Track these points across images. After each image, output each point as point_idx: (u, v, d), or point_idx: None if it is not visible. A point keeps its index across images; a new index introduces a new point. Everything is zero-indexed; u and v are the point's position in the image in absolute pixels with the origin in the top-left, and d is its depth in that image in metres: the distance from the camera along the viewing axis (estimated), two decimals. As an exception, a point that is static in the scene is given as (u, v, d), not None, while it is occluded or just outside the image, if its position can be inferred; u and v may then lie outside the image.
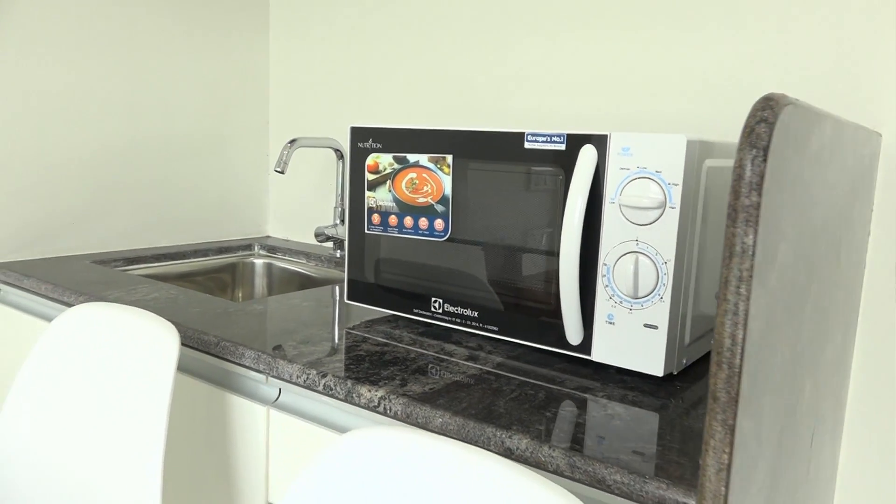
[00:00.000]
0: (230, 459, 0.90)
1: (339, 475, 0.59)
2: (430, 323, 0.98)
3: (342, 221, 1.51)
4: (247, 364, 0.85)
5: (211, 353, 0.88)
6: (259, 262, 1.60)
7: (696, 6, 1.08)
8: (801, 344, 0.61)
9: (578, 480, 0.60)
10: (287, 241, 1.68)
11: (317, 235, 1.48)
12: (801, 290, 0.57)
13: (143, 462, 0.77)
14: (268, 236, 1.72)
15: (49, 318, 1.15)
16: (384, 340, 0.90)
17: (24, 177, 1.30)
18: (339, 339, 0.90)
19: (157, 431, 0.77)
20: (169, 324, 0.82)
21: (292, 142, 1.36)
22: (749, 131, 0.42)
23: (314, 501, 0.59)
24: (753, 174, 0.42)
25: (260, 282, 1.59)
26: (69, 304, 1.10)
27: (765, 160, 0.42)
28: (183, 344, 0.92)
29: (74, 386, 0.86)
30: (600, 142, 0.77)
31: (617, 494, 0.58)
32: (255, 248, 1.62)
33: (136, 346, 0.82)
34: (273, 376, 0.82)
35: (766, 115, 0.42)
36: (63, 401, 0.87)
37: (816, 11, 0.98)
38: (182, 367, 0.97)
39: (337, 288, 1.21)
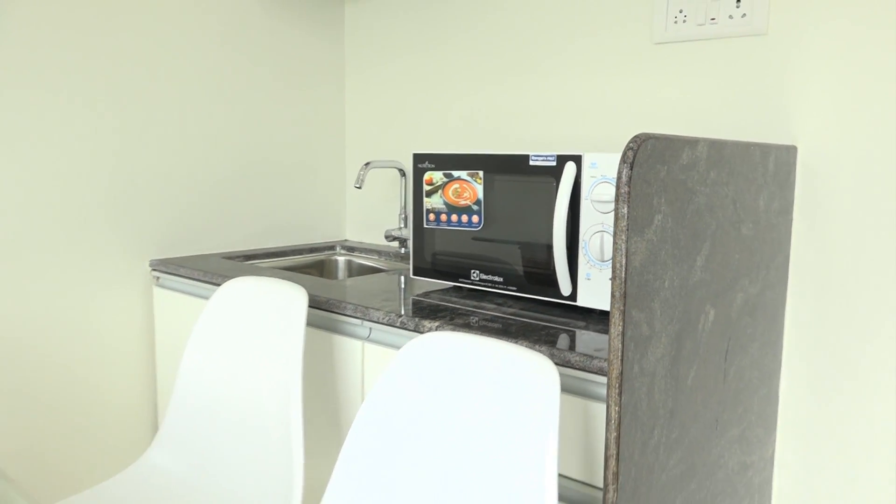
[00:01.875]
0: (337, 379, 1.32)
1: (415, 356, 0.99)
2: (471, 288, 1.39)
3: (405, 224, 1.93)
4: (347, 313, 1.27)
5: (321, 308, 1.31)
6: (341, 258, 2.03)
7: (628, 61, 1.46)
8: (694, 280, 0.98)
9: (556, 362, 0.99)
10: (361, 242, 2.11)
11: (386, 236, 1.91)
12: (686, 245, 0.95)
13: (287, 382, 1.20)
14: (346, 239, 2.16)
15: (199, 296, 1.60)
16: (438, 301, 1.31)
17: (172, 194, 1.77)
18: (408, 299, 1.32)
19: (295, 360, 1.19)
20: (298, 286, 1.25)
21: (367, 164, 1.79)
22: (623, 154, 0.82)
23: (402, 371, 1.00)
24: (625, 176, 0.81)
25: (342, 274, 2.02)
26: (216, 285, 1.54)
27: (631, 168, 0.81)
28: (302, 305, 1.35)
29: (235, 332, 1.30)
30: (577, 160, 1.16)
31: (576, 368, 0.97)
32: (337, 248, 2.06)
33: (276, 302, 1.26)
34: (366, 320, 1.24)
35: (632, 145, 0.82)
36: (227, 343, 1.30)
37: (741, 60, 1.35)
38: (299, 324, 1.40)
39: (403, 275, 1.63)
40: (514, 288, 1.27)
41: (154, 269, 1.72)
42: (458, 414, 0.97)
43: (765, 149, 1.17)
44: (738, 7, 1.36)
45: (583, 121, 1.60)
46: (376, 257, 1.96)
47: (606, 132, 1.56)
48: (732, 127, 1.39)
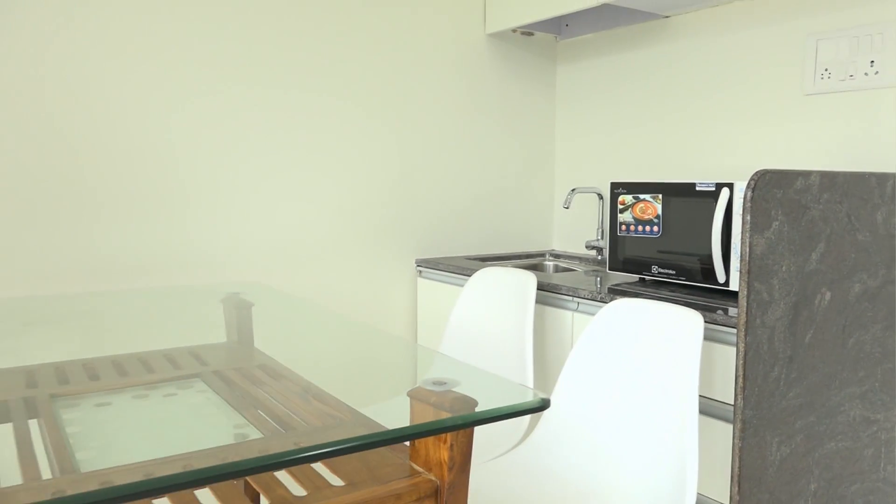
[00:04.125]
0: (553, 337, 1.88)
1: (606, 315, 1.53)
2: (651, 279, 1.89)
3: (602, 236, 2.45)
4: (562, 293, 1.83)
5: (544, 289, 1.88)
6: (550, 262, 2.60)
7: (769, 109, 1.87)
8: (810, 268, 1.42)
9: (706, 321, 1.47)
10: (566, 251, 2.66)
11: (587, 246, 2.44)
12: (801, 243, 1.39)
13: (522, 333, 1.78)
14: (553, 248, 2.73)
15: (452, 284, 2.24)
16: (626, 287, 1.83)
17: (430, 210, 2.45)
18: (604, 286, 1.85)
19: (527, 322, 1.77)
20: (530, 273, 1.84)
21: (573, 190, 2.35)
22: (748, 183, 1.30)
23: (598, 326, 1.54)
24: (748, 196, 1.29)
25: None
26: (467, 276, 2.18)
27: (752, 191, 1.29)
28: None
29: (483, 308, 1.91)
30: (730, 186, 1.63)
31: (719, 324, 1.44)
32: (547, 255, 2.63)
33: (514, 284, 1.85)
34: (575, 297, 1.79)
35: (754, 177, 1.30)
36: (477, 314, 1.92)
37: (874, 107, 1.73)
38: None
39: (600, 276, 2.16)
40: (684, 278, 1.76)
41: (418, 266, 2.41)
42: (634, 349, 1.48)
43: (882, 177, 1.56)
44: (871, 66, 1.74)
45: (741, 154, 2.04)
46: (577, 262, 2.50)
47: (761, 163, 1.99)
48: (865, 160, 1.77)
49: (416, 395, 0.94)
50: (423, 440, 0.94)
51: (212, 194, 2.04)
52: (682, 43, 2.21)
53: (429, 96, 2.41)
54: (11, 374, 1.20)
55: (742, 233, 1.31)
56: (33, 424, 0.98)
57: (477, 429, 1.72)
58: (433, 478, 0.92)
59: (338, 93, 2.23)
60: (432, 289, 2.34)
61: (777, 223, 1.35)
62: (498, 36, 2.55)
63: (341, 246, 2.28)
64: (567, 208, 2.36)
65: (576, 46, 2.61)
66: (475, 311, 1.94)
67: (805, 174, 1.39)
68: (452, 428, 0.81)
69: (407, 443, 1.05)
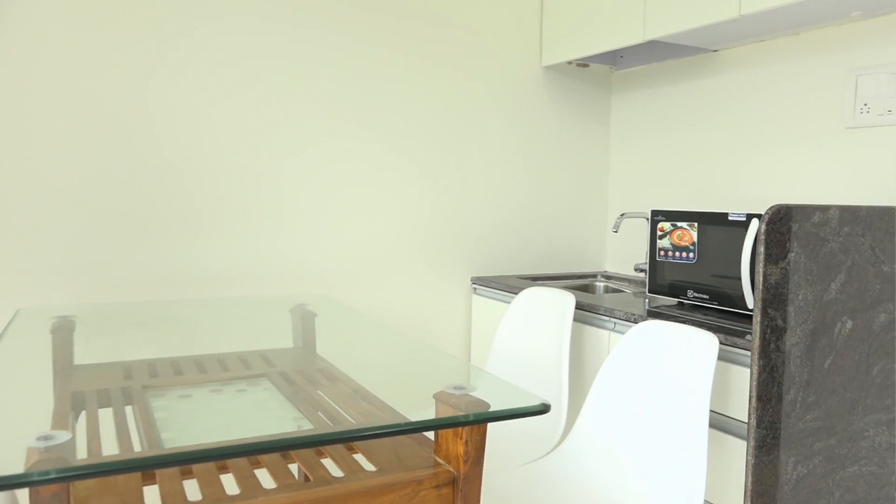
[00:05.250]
0: (591, 352, 2.00)
1: (634, 335, 1.65)
2: (687, 303, 1.98)
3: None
4: (600, 313, 1.95)
5: (584, 309, 2.01)
6: (600, 284, 2.71)
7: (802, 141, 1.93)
8: (829, 297, 1.49)
9: (727, 343, 1.57)
10: (618, 273, 2.77)
11: (635, 268, 2.54)
12: (819, 273, 1.47)
13: (559, 349, 1.91)
14: (606, 270, 2.84)
15: (502, 301, 2.39)
16: (662, 310, 1.93)
17: (485, 233, 2.61)
18: (643, 309, 1.96)
19: (564, 339, 1.90)
20: (569, 293, 1.97)
21: (622, 215, 2.46)
22: (762, 217, 1.40)
23: (626, 344, 1.66)
24: (762, 229, 1.39)
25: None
26: (514, 294, 2.32)
27: (766, 224, 1.39)
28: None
29: (526, 323, 2.05)
30: (759, 217, 1.72)
31: (739, 347, 1.54)
32: (598, 276, 2.74)
33: (552, 303, 1.98)
34: (613, 318, 1.91)
35: (768, 211, 1.40)
36: (521, 329, 2.06)
37: (871, 141, 1.78)
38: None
39: (647, 299, 2.26)
40: (717, 303, 1.85)
41: (473, 283, 2.57)
42: (655, 367, 1.59)
43: (883, 210, 1.62)
44: (908, 102, 1.80)
45: (781, 184, 2.11)
46: (627, 284, 2.60)
47: (800, 195, 2.05)
48: (904, 192, 1.81)
49: (439, 398, 1.10)
50: (444, 437, 1.10)
51: (287, 216, 2.27)
52: (730, 76, 2.29)
53: (487, 124, 2.58)
54: (112, 367, 1.43)
55: (756, 263, 1.41)
56: (129, 410, 1.19)
57: (510, 437, 1.86)
58: (451, 469, 1.07)
59: (402, 121, 2.43)
60: (486, 305, 2.49)
61: (793, 254, 1.44)
62: (554, 68, 2.70)
63: (401, 263, 2.47)
64: (616, 232, 2.48)
65: (630, 77, 2.73)
66: (519, 328, 2.08)
67: (823, 208, 1.48)
68: (463, 423, 0.96)
69: (433, 440, 1.21)
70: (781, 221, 1.41)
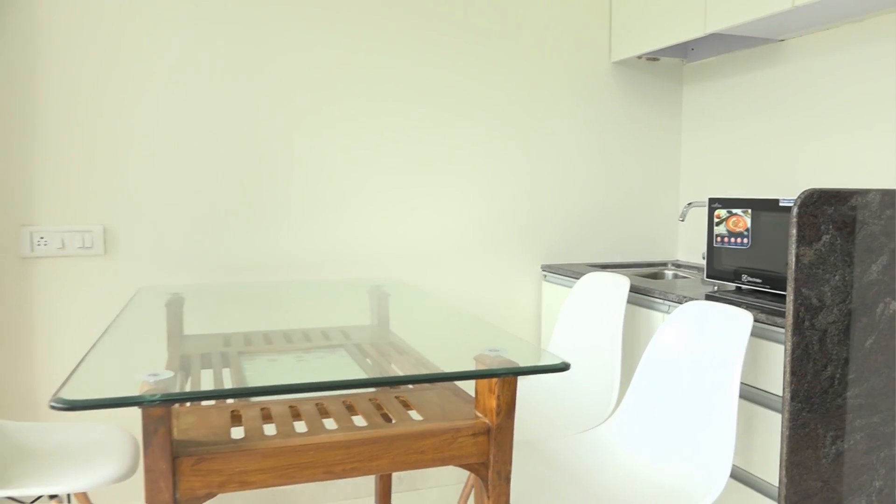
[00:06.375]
0: (644, 331, 2.10)
1: (680, 314, 1.75)
2: (742, 287, 2.04)
3: (719, 248, 2.60)
4: (655, 297, 2.05)
5: (640, 293, 2.11)
6: (669, 272, 2.78)
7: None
8: (870, 279, 1.54)
9: (768, 323, 1.64)
10: (689, 261, 2.82)
11: (702, 256, 2.60)
12: (858, 255, 1.52)
13: (612, 333, 2.03)
14: (677, 259, 2.90)
15: (567, 286, 2.52)
16: (718, 294, 2.00)
17: (556, 222, 2.74)
18: (700, 292, 2.04)
19: (618, 321, 2.02)
20: (625, 276, 2.08)
21: (689, 204, 2.53)
22: (794, 200, 1.47)
23: (673, 322, 1.76)
24: (794, 211, 1.47)
25: (670, 283, 2.77)
26: (577, 278, 2.45)
27: (798, 208, 1.46)
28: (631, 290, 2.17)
29: (584, 306, 2.18)
30: (809, 202, 1.77)
31: (779, 326, 1.61)
32: (669, 265, 2.81)
33: (608, 286, 2.10)
34: (667, 300, 2.01)
35: (801, 195, 1.47)
36: (580, 312, 2.19)
37: (975, 124, 1.77)
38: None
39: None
40: (769, 286, 1.91)
41: (543, 271, 2.71)
42: (696, 343, 1.69)
43: (962, 194, 1.63)
44: (970, 85, 1.79)
45: (845, 170, 2.12)
46: (695, 272, 2.66)
47: (864, 180, 2.06)
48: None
49: (478, 359, 1.27)
50: (481, 394, 1.26)
51: (367, 206, 2.50)
52: (796, 64, 2.32)
53: (556, 117, 2.71)
54: (213, 337, 1.69)
55: (789, 244, 1.48)
56: (226, 372, 1.43)
57: (571, 409, 2.00)
58: (486, 420, 1.24)
59: (475, 114, 2.61)
60: (554, 292, 2.63)
61: (828, 237, 1.50)
62: (624, 63, 2.79)
63: (473, 250, 2.64)
64: (682, 220, 2.54)
65: (701, 69, 2.77)
66: (578, 311, 2.21)
67: (863, 192, 1.52)
68: (489, 375, 1.13)
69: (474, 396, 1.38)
70: (815, 205, 1.48)
